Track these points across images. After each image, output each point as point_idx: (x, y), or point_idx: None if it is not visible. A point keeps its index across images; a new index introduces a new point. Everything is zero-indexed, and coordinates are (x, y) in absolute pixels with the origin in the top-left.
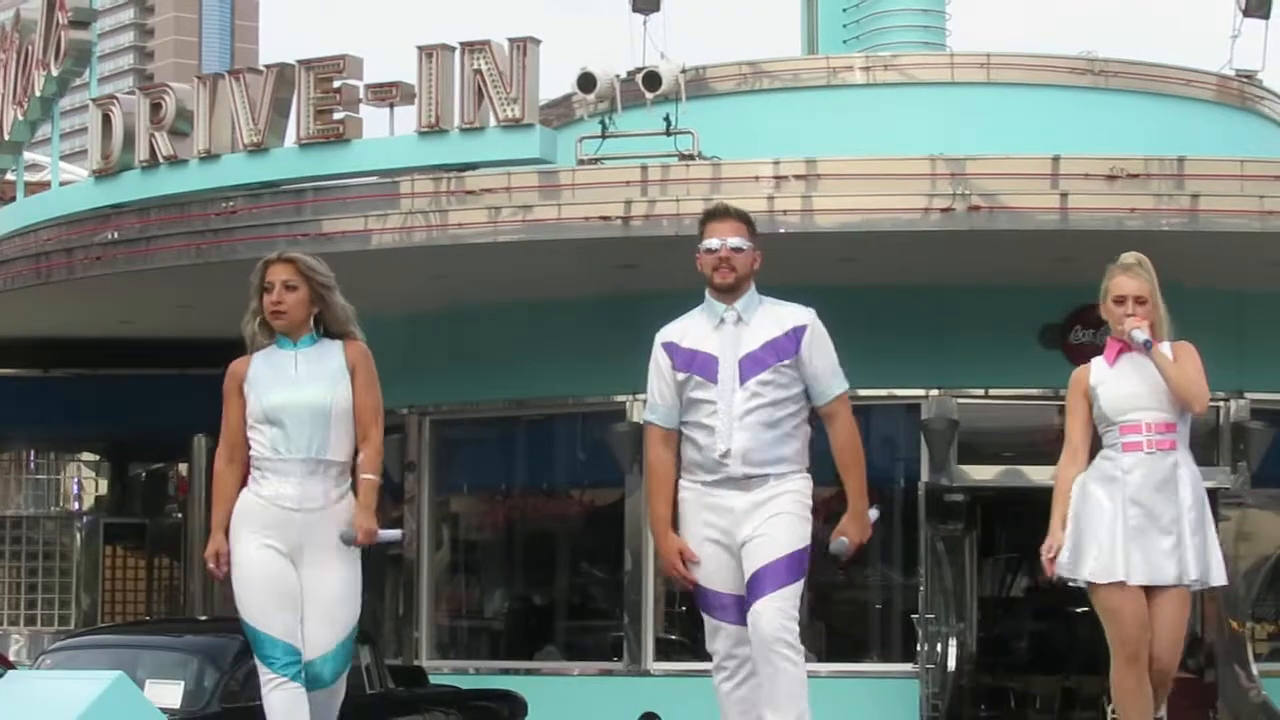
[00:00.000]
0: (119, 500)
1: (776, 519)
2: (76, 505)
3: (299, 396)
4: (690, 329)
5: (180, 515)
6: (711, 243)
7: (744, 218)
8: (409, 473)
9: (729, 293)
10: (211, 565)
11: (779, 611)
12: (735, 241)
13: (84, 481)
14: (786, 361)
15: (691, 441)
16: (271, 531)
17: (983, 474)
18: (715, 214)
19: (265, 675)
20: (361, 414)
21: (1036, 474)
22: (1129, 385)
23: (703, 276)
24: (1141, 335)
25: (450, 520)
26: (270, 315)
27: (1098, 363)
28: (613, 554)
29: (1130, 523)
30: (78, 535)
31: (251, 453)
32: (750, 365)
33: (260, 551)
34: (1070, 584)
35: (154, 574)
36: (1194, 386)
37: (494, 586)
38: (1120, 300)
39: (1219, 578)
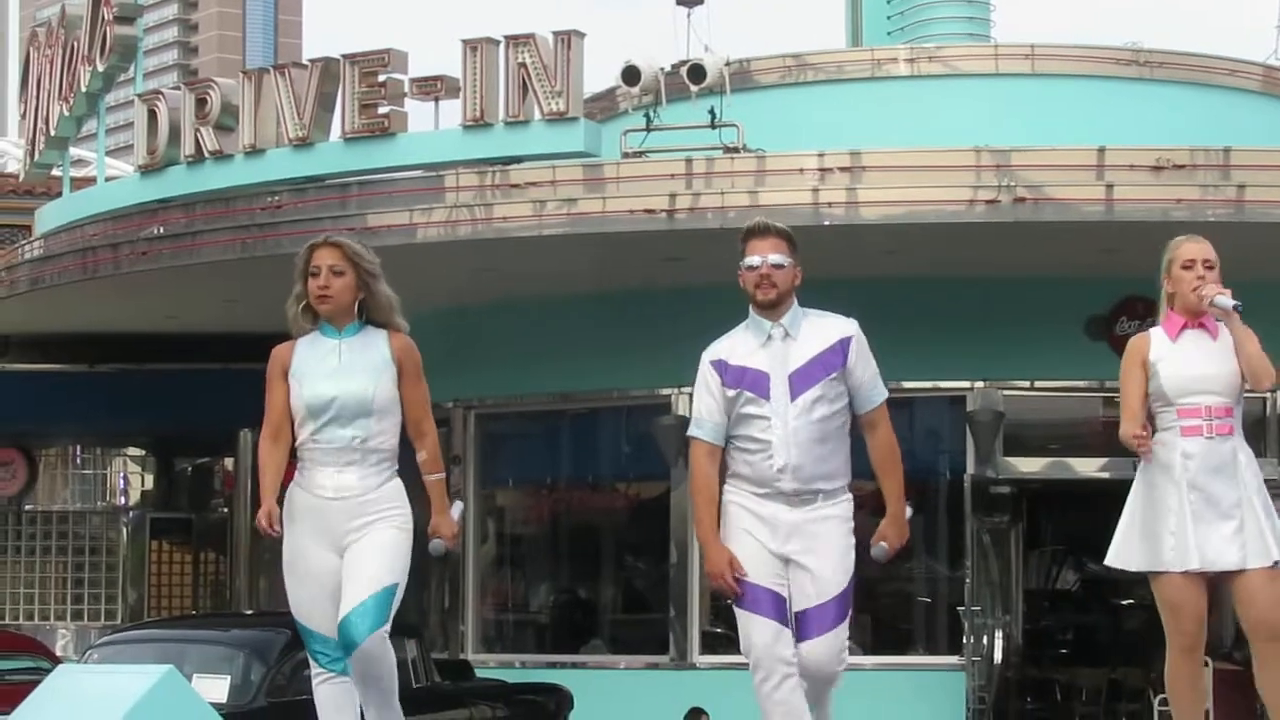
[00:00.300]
0: (165, 495)
1: (826, 555)
2: (123, 500)
3: (342, 388)
4: (738, 346)
5: (226, 510)
6: (753, 260)
7: (784, 234)
8: (454, 466)
9: (772, 309)
10: (264, 524)
11: (831, 649)
12: (776, 258)
13: (130, 476)
14: (834, 374)
15: (742, 456)
16: (317, 522)
17: (1028, 466)
18: (755, 231)
19: (314, 669)
20: (412, 409)
21: (1082, 466)
22: (1193, 366)
23: (745, 293)
24: (1227, 300)
25: (496, 514)
26: (316, 300)
27: (1158, 335)
28: (658, 547)
29: (1191, 508)
30: (124, 530)
31: (296, 442)
32: (801, 380)
33: (307, 545)
34: (1124, 572)
35: (200, 568)
36: (1266, 361)
37: (539, 580)
38: (1189, 265)
39: None
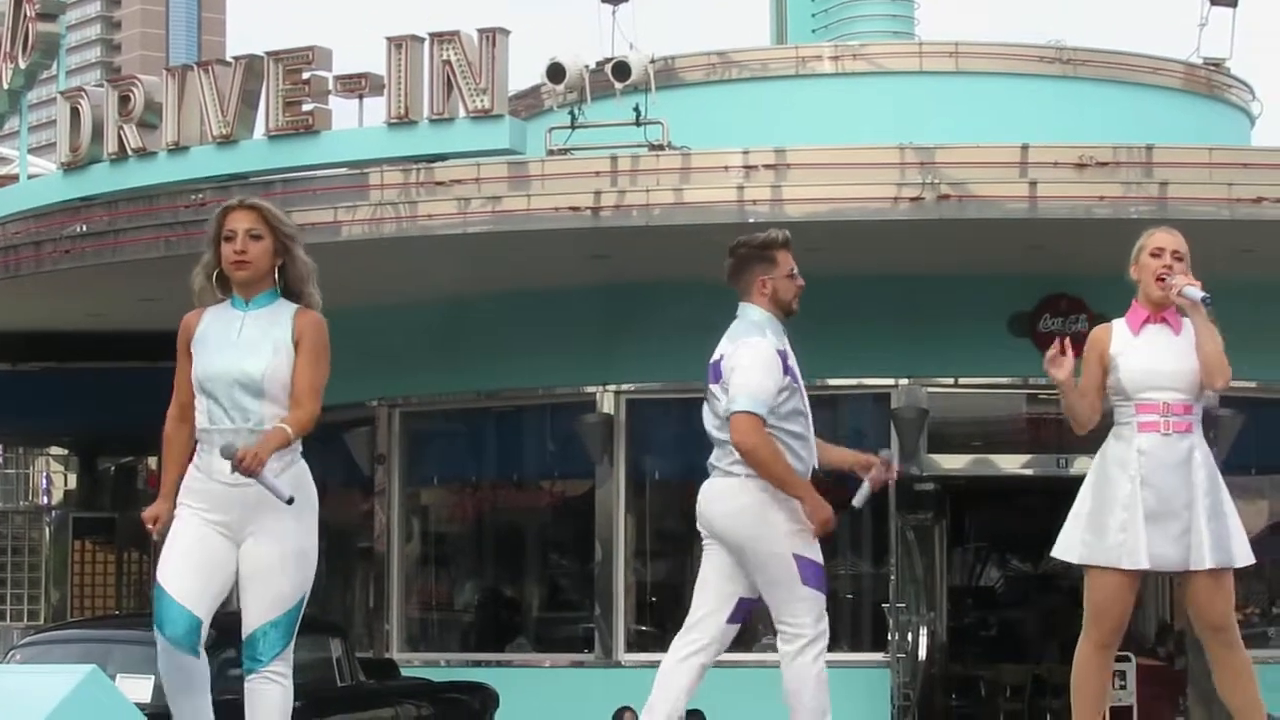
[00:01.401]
0: (88, 494)
1: None
2: (45, 499)
3: (232, 365)
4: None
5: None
6: (796, 272)
7: None
8: (379, 465)
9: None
10: (150, 526)
11: None
12: None
13: (53, 476)
14: None
15: (788, 447)
16: (210, 507)
17: (953, 463)
18: (788, 243)
19: (161, 643)
20: (296, 383)
21: (1006, 463)
22: (1153, 361)
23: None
24: (1196, 292)
25: (420, 512)
26: (232, 266)
27: (1120, 327)
28: (583, 545)
29: (1143, 506)
30: (47, 530)
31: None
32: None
33: (193, 522)
34: (1049, 567)
35: (124, 568)
36: (1224, 359)
37: (464, 579)
38: (1158, 253)
39: (1244, 558)
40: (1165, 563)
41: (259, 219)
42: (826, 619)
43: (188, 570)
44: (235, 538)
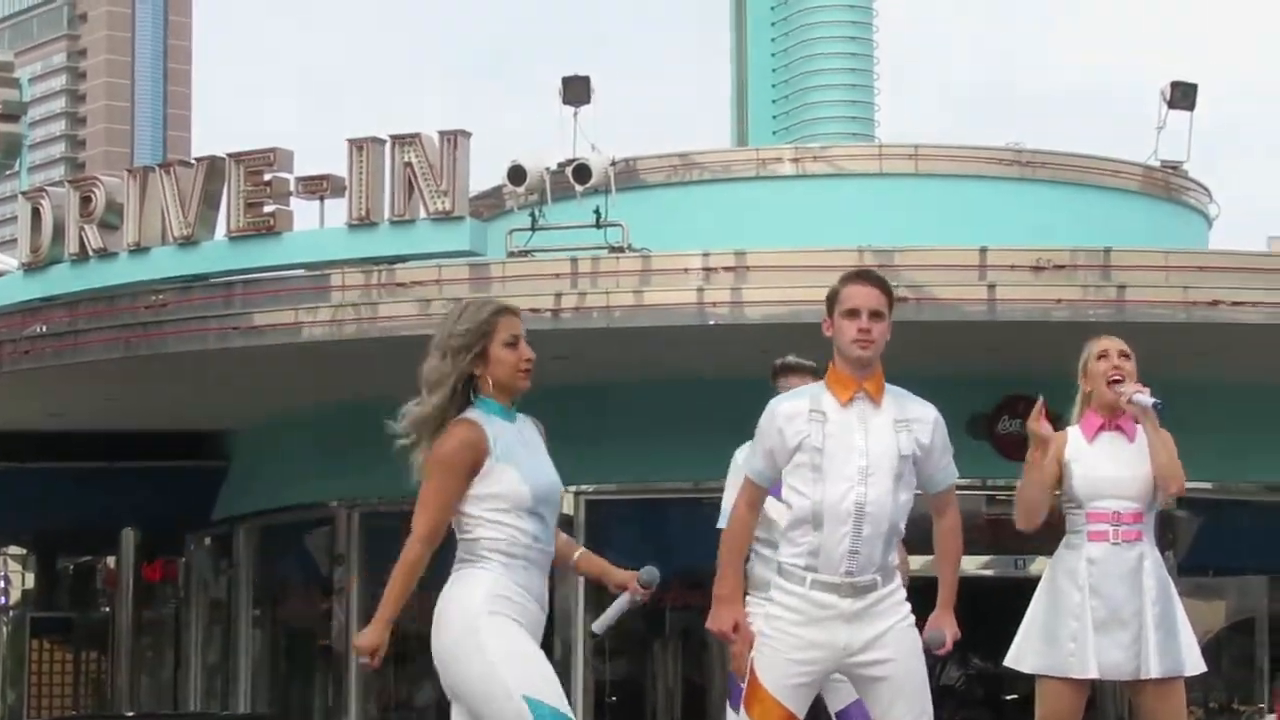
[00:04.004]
0: (46, 594)
1: None
2: (3, 599)
3: (556, 482)
4: None
5: (108, 609)
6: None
7: None
8: (338, 565)
9: None
10: (367, 660)
11: None
12: None
13: (10, 575)
14: None
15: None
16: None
17: (912, 563)
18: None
19: None
20: None
21: (966, 563)
22: (1105, 469)
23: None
24: (1146, 399)
25: None
26: (523, 375)
27: (1074, 435)
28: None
29: (1092, 615)
30: (3, 629)
31: (490, 537)
32: None
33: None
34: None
35: (81, 668)
36: (1178, 466)
37: (424, 678)
38: (1104, 355)
39: (1195, 667)
40: (1116, 671)
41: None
42: None
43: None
44: None
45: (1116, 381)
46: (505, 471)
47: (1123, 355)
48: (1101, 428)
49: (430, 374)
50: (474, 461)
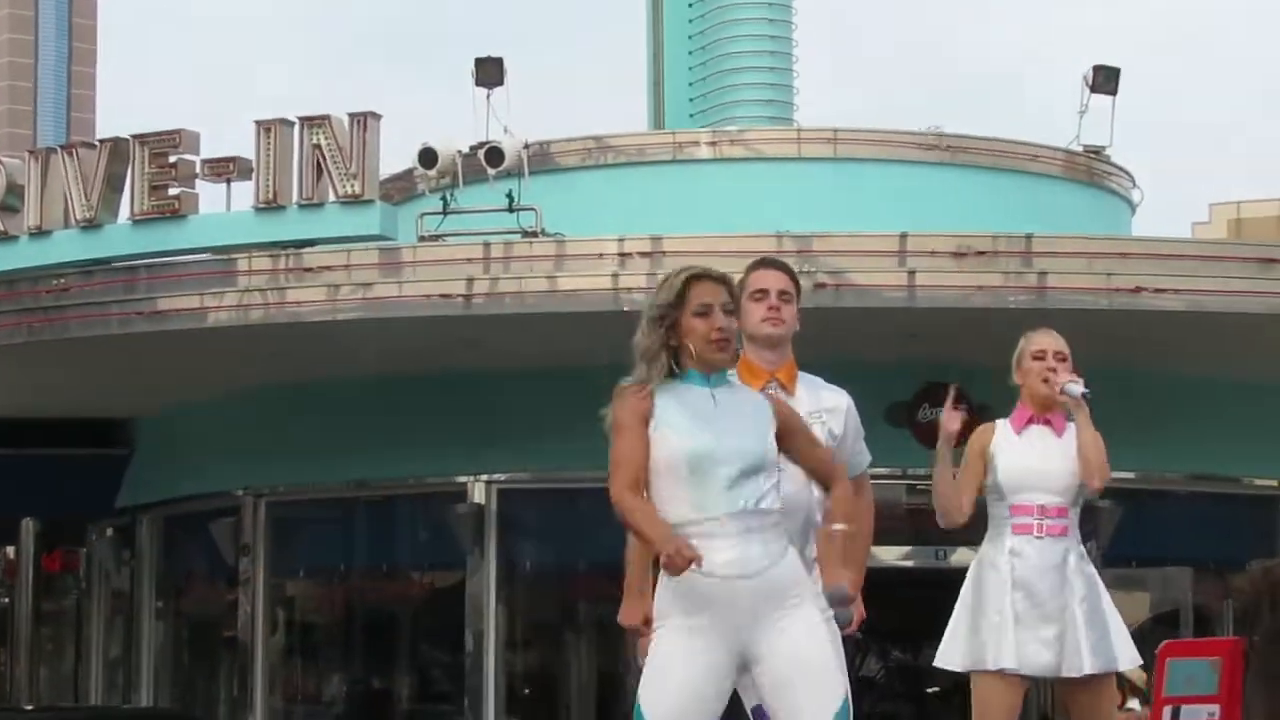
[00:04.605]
0: None
1: None
2: None
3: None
4: None
5: (7, 600)
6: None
7: None
8: (244, 555)
9: None
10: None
11: None
12: None
13: None
14: None
15: None
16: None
17: (886, 555)
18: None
19: None
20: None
21: (885, 554)
22: (1031, 461)
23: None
24: (1078, 388)
25: (286, 603)
26: (715, 345)
27: (1002, 426)
28: (453, 636)
29: (1014, 608)
30: None
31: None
32: None
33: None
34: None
35: None
36: (1104, 458)
37: (332, 670)
38: (1040, 355)
39: (1129, 660)
40: (1038, 667)
41: (732, 294)
42: None
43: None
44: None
45: (1047, 380)
46: (662, 436)
47: (1059, 357)
48: (1030, 421)
49: (636, 346)
50: (639, 413)
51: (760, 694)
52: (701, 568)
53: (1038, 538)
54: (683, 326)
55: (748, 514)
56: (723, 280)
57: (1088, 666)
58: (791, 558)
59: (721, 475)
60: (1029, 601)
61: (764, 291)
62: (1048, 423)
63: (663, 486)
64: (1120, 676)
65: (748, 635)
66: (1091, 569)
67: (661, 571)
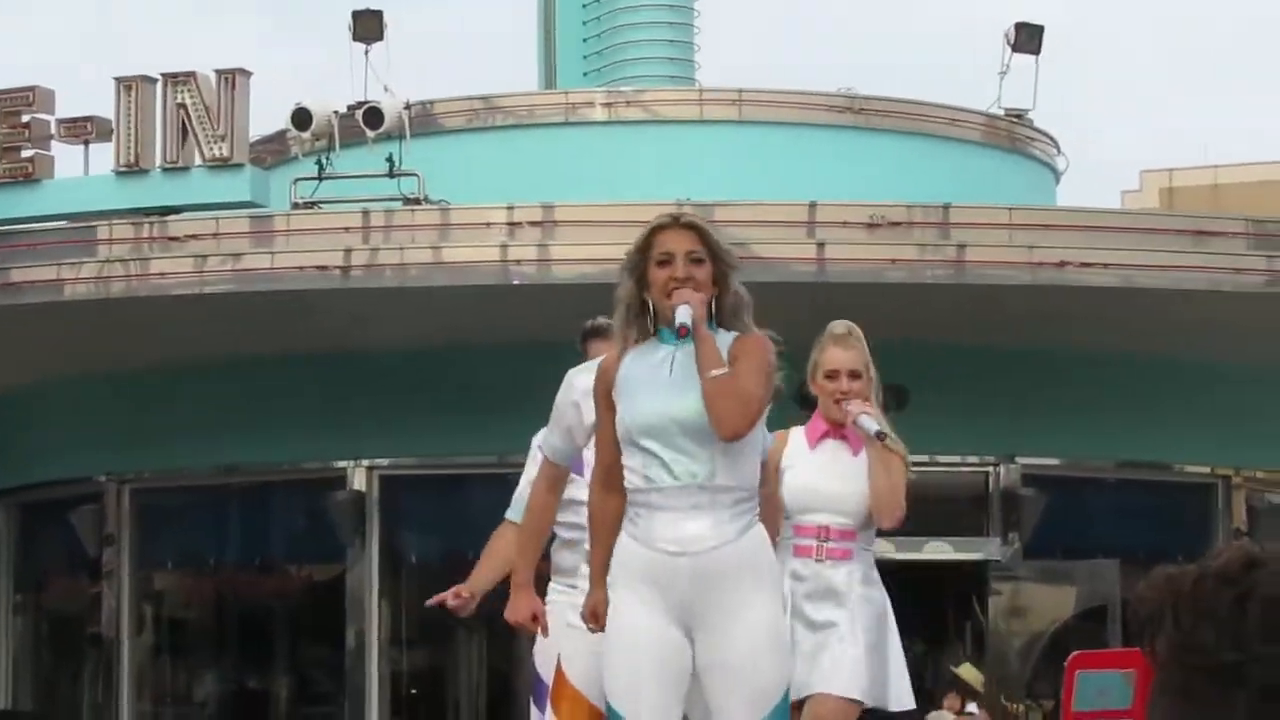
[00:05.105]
0: None
1: None
2: None
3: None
4: None
5: None
6: None
7: None
8: (107, 546)
9: None
10: (593, 625)
11: None
12: None
13: None
14: None
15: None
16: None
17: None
18: None
19: None
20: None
21: None
22: (817, 480)
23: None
24: (872, 425)
25: (154, 598)
26: (669, 297)
27: (797, 438)
28: (334, 633)
29: (795, 636)
30: None
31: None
32: None
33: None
34: None
35: None
36: (897, 497)
37: (204, 669)
38: (833, 375)
39: (899, 703)
40: (798, 688)
41: (700, 241)
42: None
43: (653, 688)
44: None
45: (839, 402)
46: (619, 406)
47: (853, 376)
48: (825, 434)
49: (614, 301)
50: (603, 391)
51: (696, 674)
52: (593, 629)
53: (817, 561)
54: (648, 278)
55: (695, 489)
56: (691, 226)
57: (856, 693)
58: (748, 540)
59: (666, 445)
60: (804, 627)
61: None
62: (844, 438)
63: (624, 456)
64: (956, 678)
65: (691, 615)
66: (882, 597)
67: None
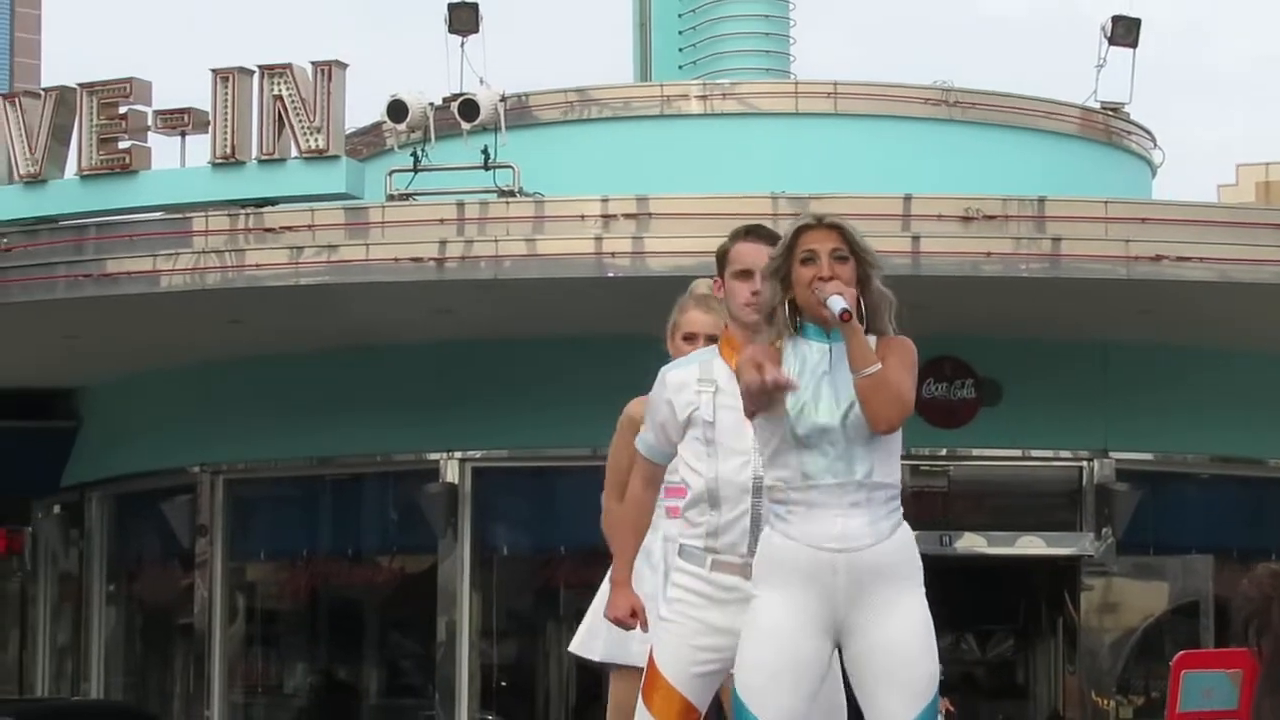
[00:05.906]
0: None
1: None
2: None
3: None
4: None
5: None
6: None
7: None
8: (200, 537)
9: None
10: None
11: None
12: None
13: None
14: None
15: None
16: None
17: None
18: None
19: None
20: None
21: None
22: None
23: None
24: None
25: (246, 589)
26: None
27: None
28: (425, 625)
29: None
30: None
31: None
32: None
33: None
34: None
35: None
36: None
37: (295, 661)
38: (690, 337)
39: None
40: None
41: (843, 240)
42: None
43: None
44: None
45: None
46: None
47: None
48: None
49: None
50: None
51: (849, 674)
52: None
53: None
54: (793, 277)
55: (853, 486)
56: (835, 226)
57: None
58: (899, 537)
59: (832, 443)
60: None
61: (748, 272)
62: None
63: (774, 453)
64: None
65: (844, 613)
66: None
67: (761, 539)
